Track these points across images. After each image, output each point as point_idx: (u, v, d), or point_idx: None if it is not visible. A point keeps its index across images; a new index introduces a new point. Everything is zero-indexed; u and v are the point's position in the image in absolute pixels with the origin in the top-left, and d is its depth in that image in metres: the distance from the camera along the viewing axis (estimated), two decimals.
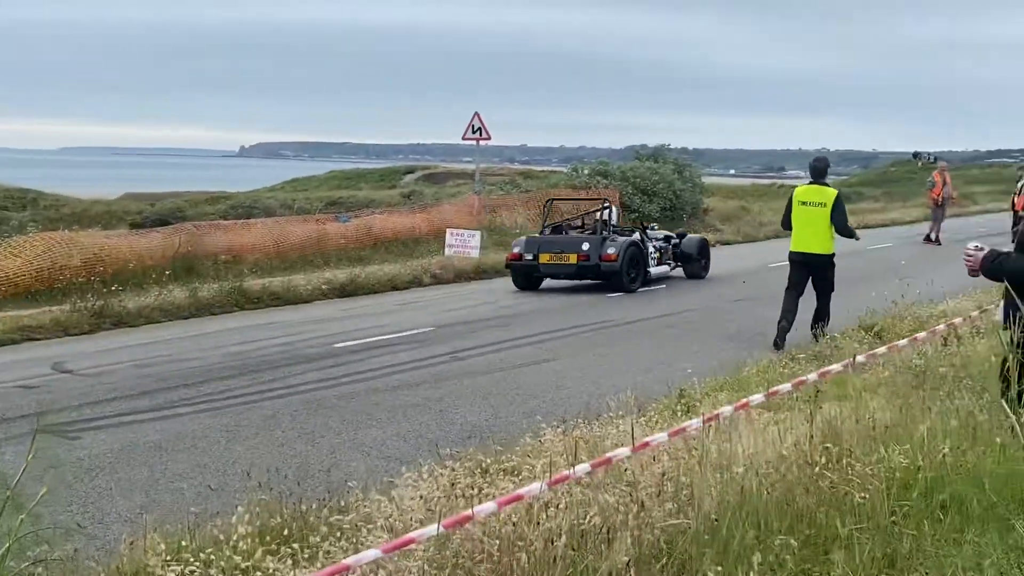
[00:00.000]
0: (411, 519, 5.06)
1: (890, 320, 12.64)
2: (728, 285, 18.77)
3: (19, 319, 14.12)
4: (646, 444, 4.63)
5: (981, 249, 5.82)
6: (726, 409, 4.93)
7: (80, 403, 9.60)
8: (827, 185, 13.02)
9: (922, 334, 11.72)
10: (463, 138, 28.87)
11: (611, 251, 17.94)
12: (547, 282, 18.60)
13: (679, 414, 8.31)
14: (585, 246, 18.23)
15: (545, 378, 10.85)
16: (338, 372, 11.04)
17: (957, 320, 10.93)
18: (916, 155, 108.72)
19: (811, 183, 12.94)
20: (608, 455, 4.58)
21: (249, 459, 7.93)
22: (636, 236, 19.17)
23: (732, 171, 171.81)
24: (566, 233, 19.65)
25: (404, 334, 13.33)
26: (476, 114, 28.37)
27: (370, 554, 3.65)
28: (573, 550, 3.78)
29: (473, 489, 5.71)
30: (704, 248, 20.51)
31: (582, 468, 4.38)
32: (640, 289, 18.15)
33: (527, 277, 18.62)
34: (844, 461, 4.45)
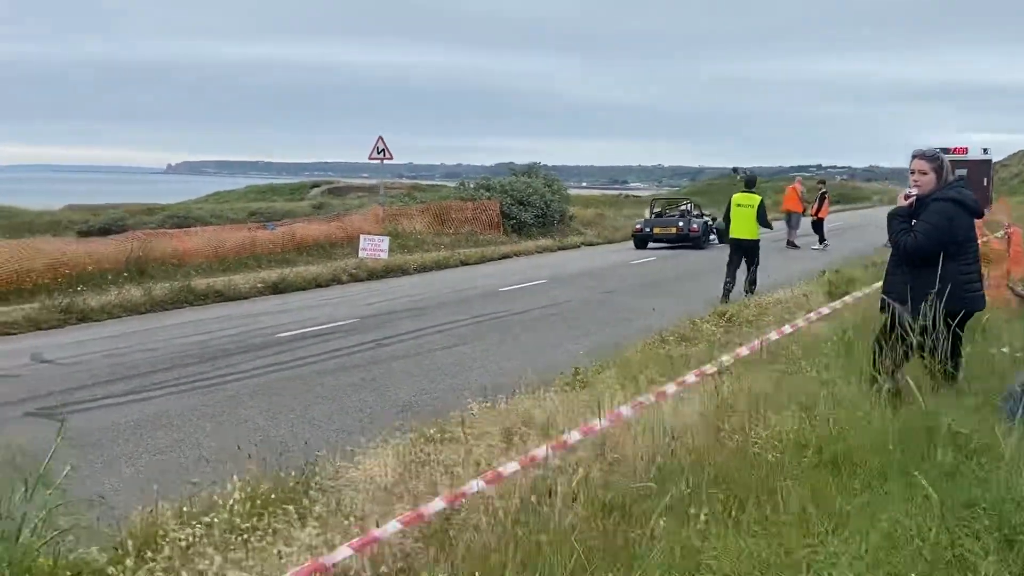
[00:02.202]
0: (383, 482, 5.10)
1: (736, 307, 13.07)
2: (599, 280, 19.06)
3: None
4: (618, 414, 4.70)
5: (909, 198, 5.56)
6: (670, 387, 4.93)
7: (62, 389, 9.25)
8: (754, 193, 15.62)
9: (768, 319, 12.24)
10: (369, 158, 28.60)
11: (695, 226, 27.23)
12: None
13: (577, 388, 8.48)
14: (680, 223, 27.54)
15: (458, 360, 10.88)
16: (283, 358, 10.87)
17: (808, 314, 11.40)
18: (735, 170, 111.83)
19: (743, 192, 15.71)
20: (588, 426, 4.63)
21: (219, 434, 7.80)
22: (705, 218, 28.13)
23: (584, 183, 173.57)
24: (664, 216, 29.00)
25: (334, 325, 13.18)
26: (380, 138, 28.16)
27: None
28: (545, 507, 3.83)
29: (427, 456, 5.80)
30: (725, 228, 25.62)
31: (575, 436, 4.42)
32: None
33: (643, 241, 27.35)
34: (745, 427, 4.58)
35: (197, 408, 8.62)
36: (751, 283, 15.19)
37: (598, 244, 29.93)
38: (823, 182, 32.70)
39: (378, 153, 27.99)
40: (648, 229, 27.72)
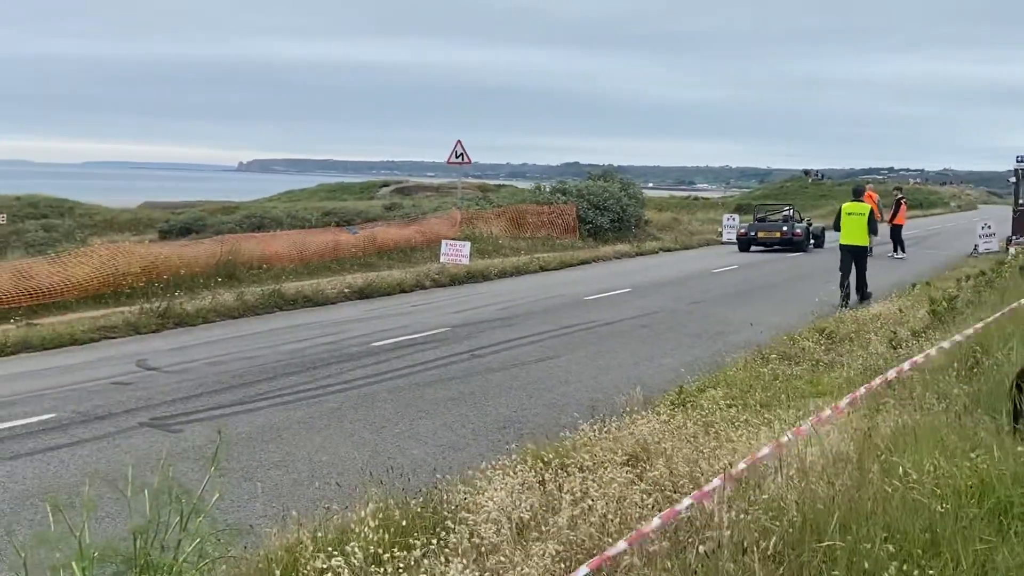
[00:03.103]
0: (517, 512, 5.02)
1: (835, 322, 12.80)
2: (685, 288, 18.86)
3: (95, 320, 13.79)
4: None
5: None
6: (803, 425, 4.74)
7: (173, 398, 9.39)
8: (862, 201, 17.13)
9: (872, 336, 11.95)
10: (448, 161, 28.74)
11: (798, 230, 28.82)
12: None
13: (686, 408, 8.34)
14: (784, 227, 28.90)
15: (553, 373, 10.82)
16: (381, 369, 10.92)
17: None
18: (807, 172, 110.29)
19: (853, 200, 17.17)
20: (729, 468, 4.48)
21: (329, 448, 7.84)
22: (806, 223, 29.93)
23: (651, 184, 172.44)
24: (767, 221, 30.36)
25: (426, 334, 13.21)
26: (459, 141, 28.27)
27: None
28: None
29: (556, 485, 5.71)
30: (820, 233, 29.99)
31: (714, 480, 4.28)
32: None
33: (747, 244, 29.02)
34: (900, 470, 4.40)
35: (304, 420, 8.68)
36: (861, 286, 16.76)
37: (675, 250, 29.66)
38: (900, 188, 32.13)
39: (456, 157, 28.09)
40: (753, 233, 29.34)
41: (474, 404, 9.40)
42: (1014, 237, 28.30)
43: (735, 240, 31.19)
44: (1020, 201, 29.94)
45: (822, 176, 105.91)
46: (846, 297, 16.35)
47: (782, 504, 4.43)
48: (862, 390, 4.66)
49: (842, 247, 16.82)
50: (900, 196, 29.35)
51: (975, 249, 28.98)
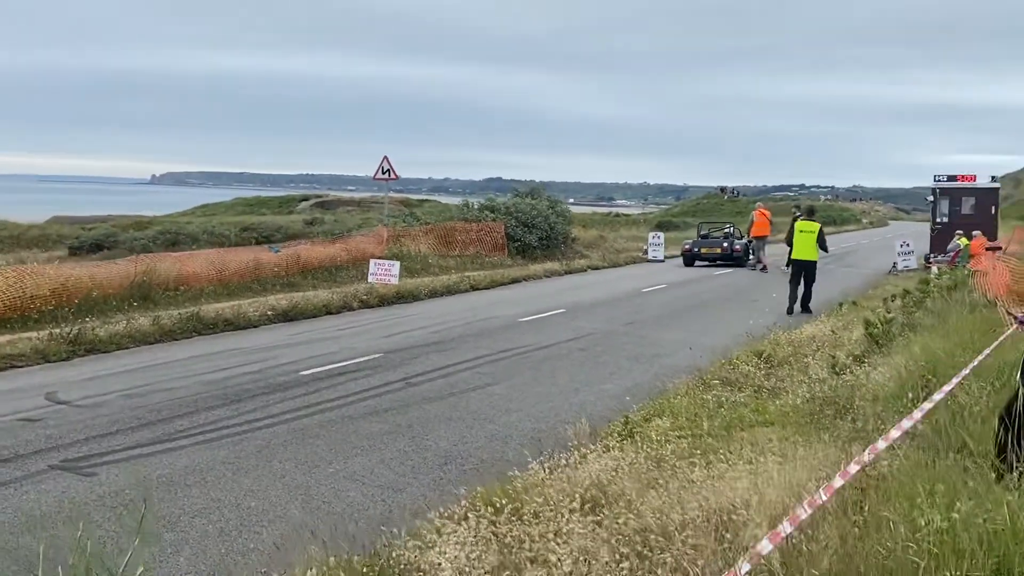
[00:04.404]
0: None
1: (771, 345, 12.65)
2: (617, 309, 18.64)
3: None
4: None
5: None
6: (837, 482, 4.28)
7: (86, 437, 8.66)
8: (814, 220, 19.02)
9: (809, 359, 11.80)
10: (374, 178, 28.13)
11: (737, 246, 30.33)
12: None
13: (635, 441, 8.00)
14: (725, 244, 30.53)
15: (493, 402, 10.40)
16: (310, 400, 10.34)
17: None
18: (722, 189, 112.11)
19: (805, 220, 19.14)
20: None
21: (258, 492, 7.28)
22: (745, 240, 30.81)
23: (572, 200, 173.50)
24: (710, 238, 31.88)
25: (357, 360, 12.64)
26: (385, 157, 27.70)
27: None
28: None
29: (513, 539, 5.29)
30: (753, 249, 30.41)
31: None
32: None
33: (692, 259, 30.36)
34: (889, 522, 4.10)
35: (229, 461, 8.08)
36: (807, 299, 18.30)
37: (603, 268, 29.53)
38: (798, 207, 33.35)
39: (383, 172, 27.52)
40: (697, 249, 30.95)
41: (412, 438, 8.92)
42: (932, 255, 28.92)
43: (661, 258, 32.83)
44: (938, 220, 30.67)
45: (737, 193, 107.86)
46: (792, 306, 18.22)
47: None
48: (853, 467, 4.30)
49: (794, 261, 18.63)
50: (798, 214, 30.16)
51: (894, 266, 29.51)
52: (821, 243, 18.49)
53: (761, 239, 29.73)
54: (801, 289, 18.31)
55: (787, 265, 22.28)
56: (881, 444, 4.44)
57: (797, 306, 18.17)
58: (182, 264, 19.61)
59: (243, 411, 9.80)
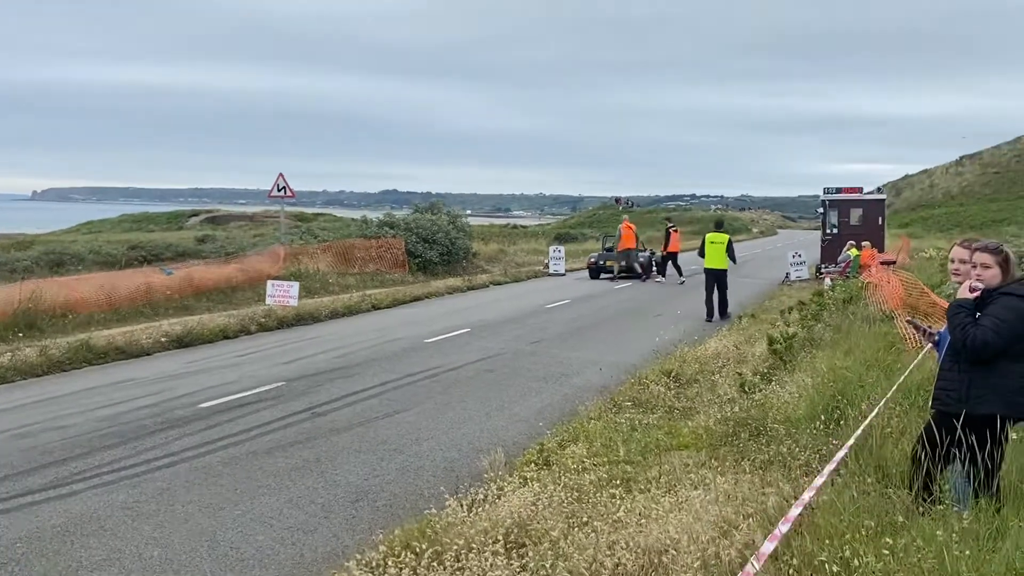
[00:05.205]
0: None
1: (677, 363, 12.77)
2: (523, 327, 18.58)
3: None
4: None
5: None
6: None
7: None
8: (723, 231, 20.92)
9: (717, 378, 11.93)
10: (269, 196, 27.56)
11: (640, 259, 30.75)
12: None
13: (552, 470, 7.93)
14: (629, 257, 30.57)
15: (403, 430, 10.18)
16: (212, 435, 9.92)
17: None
18: (617, 200, 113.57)
19: (714, 232, 20.90)
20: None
21: (161, 540, 6.90)
22: (648, 254, 31.88)
23: (469, 211, 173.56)
24: (615, 251, 31.33)
25: (259, 390, 12.20)
26: (280, 175, 27.20)
27: None
28: None
29: None
30: (661, 263, 31.04)
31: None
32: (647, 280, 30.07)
33: (597, 272, 30.96)
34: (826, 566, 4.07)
35: (129, 505, 7.67)
36: (723, 306, 19.86)
37: (505, 283, 29.46)
38: (669, 218, 35.12)
39: (279, 190, 26.97)
40: (601, 262, 31.53)
41: (320, 473, 8.64)
42: (824, 265, 29.82)
43: (563, 272, 33.18)
44: (828, 231, 31.66)
45: (632, 204, 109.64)
46: (711, 313, 19.71)
47: None
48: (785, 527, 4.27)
49: (706, 270, 20.29)
50: (671, 225, 31.41)
51: (787, 277, 30.33)
52: (730, 253, 20.09)
53: (629, 252, 30.59)
54: (716, 296, 19.84)
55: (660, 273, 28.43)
56: (819, 481, 4.42)
57: (717, 314, 19.67)
58: (70, 289, 18.75)
59: (141, 449, 9.34)
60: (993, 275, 5.07)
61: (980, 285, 5.01)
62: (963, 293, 5.05)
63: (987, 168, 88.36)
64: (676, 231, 31.06)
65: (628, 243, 30.85)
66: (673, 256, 30.11)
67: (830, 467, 4.61)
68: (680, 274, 29.64)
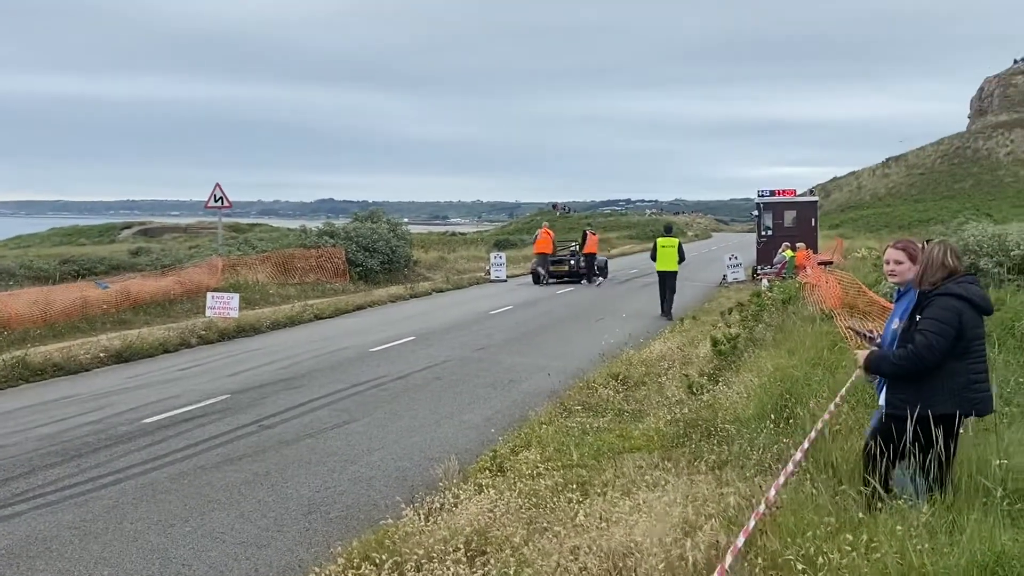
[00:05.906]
0: None
1: (624, 366, 12.85)
2: (468, 333, 18.53)
3: None
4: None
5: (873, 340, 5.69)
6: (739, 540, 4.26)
7: None
8: (672, 236, 23.11)
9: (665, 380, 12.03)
10: (206, 207, 27.13)
11: (583, 264, 31.73)
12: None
13: (506, 476, 7.92)
14: (572, 262, 31.92)
15: (353, 441, 10.08)
16: (158, 451, 9.71)
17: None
18: (554, 205, 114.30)
19: (664, 236, 22.86)
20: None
21: (111, 559, 6.73)
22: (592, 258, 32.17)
23: (406, 219, 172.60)
24: (557, 256, 32.53)
25: (204, 404, 11.98)
26: (217, 185, 26.87)
27: None
28: None
29: None
30: (604, 266, 33.00)
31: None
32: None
33: (539, 278, 31.16)
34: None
35: (76, 525, 7.46)
36: (669, 306, 21.28)
37: (448, 290, 29.40)
38: (590, 224, 36.99)
39: (216, 201, 26.57)
40: (546, 267, 32.16)
41: (271, 486, 8.50)
42: (760, 267, 30.30)
43: (504, 278, 33.64)
44: (763, 233, 32.17)
45: (569, 209, 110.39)
46: (666, 312, 21.12)
47: None
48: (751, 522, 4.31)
49: (659, 273, 21.86)
50: (588, 228, 33.51)
51: (724, 279, 30.75)
52: (680, 255, 21.82)
53: (545, 256, 31.68)
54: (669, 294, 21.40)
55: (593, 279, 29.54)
56: (781, 479, 4.47)
57: (668, 311, 21.12)
58: (2, 304, 18.21)
59: (86, 467, 9.11)
60: (905, 269, 5.33)
61: (875, 335, 5.39)
62: (862, 356, 5.26)
63: (912, 170, 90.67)
64: (594, 234, 33.02)
65: (544, 248, 31.95)
66: (590, 257, 31.63)
67: (789, 467, 4.66)
68: (603, 276, 31.90)
